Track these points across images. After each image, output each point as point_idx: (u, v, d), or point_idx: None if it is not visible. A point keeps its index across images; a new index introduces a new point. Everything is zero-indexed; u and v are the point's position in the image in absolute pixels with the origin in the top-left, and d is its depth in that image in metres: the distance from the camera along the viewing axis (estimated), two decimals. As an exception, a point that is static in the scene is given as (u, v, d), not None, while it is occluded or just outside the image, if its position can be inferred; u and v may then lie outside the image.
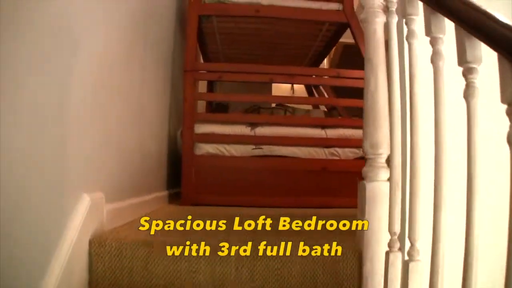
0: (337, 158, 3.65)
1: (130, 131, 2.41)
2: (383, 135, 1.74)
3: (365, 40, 1.82)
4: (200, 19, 3.70)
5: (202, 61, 5.04)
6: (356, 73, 3.72)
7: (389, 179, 1.63)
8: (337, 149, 3.65)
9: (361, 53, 3.58)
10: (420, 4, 1.42)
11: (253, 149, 3.56)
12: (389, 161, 1.70)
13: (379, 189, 1.74)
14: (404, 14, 1.50)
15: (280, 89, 7.12)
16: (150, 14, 2.81)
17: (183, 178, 3.46)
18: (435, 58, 1.30)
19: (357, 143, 3.61)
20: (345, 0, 3.73)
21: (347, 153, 3.67)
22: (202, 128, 3.54)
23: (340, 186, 3.50)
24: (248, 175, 3.52)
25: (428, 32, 1.32)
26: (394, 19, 1.67)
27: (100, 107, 1.88)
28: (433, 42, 1.31)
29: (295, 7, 3.70)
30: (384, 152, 1.75)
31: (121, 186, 2.23)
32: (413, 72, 1.47)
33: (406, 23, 1.49)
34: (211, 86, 5.89)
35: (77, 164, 1.64)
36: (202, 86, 5.68)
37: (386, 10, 1.71)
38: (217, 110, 5.20)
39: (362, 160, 3.69)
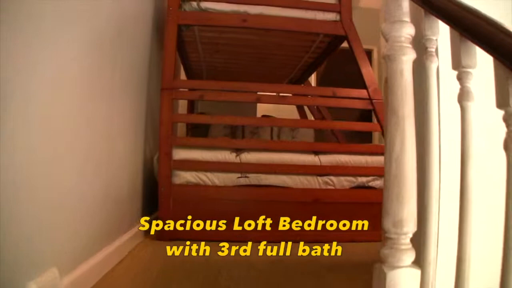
0: (332, 187, 3.28)
1: (94, 175, 2.01)
2: (409, 211, 1.36)
3: (389, 84, 1.44)
4: (179, 27, 3.29)
5: (181, 67, 4.64)
6: (353, 92, 3.36)
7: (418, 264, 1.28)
8: (332, 177, 3.28)
9: (360, 71, 3.23)
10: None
11: (238, 177, 3.18)
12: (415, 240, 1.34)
13: (403, 278, 1.36)
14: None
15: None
16: (119, 30, 2.39)
17: (160, 210, 3.07)
18: None
19: (354, 171, 3.28)
20: (342, 9, 3.37)
21: (342, 181, 3.31)
22: (181, 154, 3.14)
23: (334, 219, 3.17)
24: (233, 206, 3.15)
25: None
26: (434, 63, 1.30)
27: (49, 159, 1.47)
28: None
29: (286, 17, 3.32)
30: (409, 230, 1.37)
31: (83, 244, 1.83)
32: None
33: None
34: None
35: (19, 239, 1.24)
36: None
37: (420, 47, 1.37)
38: (198, 131, 4.87)
39: (359, 189, 3.38)
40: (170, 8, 3.20)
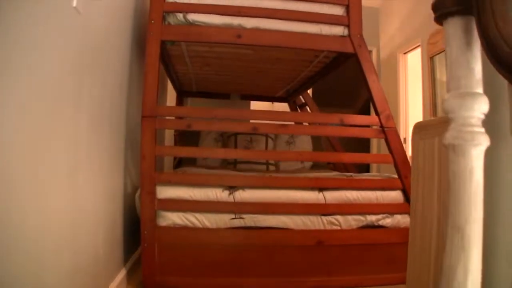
0: (337, 227, 2.90)
1: (57, 249, 1.59)
2: None
3: (450, 186, 1.04)
4: (164, 42, 2.87)
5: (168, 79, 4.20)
6: (363, 119, 3.00)
7: None
8: (338, 216, 2.90)
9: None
10: None
11: (232, 219, 2.78)
12: None
13: None
14: None
15: (258, 105, 6.30)
16: (89, 53, 1.97)
17: (143, 256, 2.68)
18: None
19: (363, 209, 2.90)
20: (351, 22, 2.97)
21: (350, 220, 2.93)
22: (166, 192, 2.74)
23: (340, 262, 2.81)
24: (226, 252, 2.77)
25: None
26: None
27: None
28: None
29: (287, 32, 2.91)
30: None
31: None
32: None
33: None
34: (180, 102, 5.07)
35: None
36: (172, 99, 4.87)
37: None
38: (185, 139, 4.57)
39: (367, 229, 3.00)
40: (152, 22, 2.77)
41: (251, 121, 3.28)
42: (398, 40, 7.07)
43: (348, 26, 2.97)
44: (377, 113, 2.98)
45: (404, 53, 7.01)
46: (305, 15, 2.92)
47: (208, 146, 4.52)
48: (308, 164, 4.76)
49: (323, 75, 3.72)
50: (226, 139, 4.52)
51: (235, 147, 4.50)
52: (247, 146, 4.52)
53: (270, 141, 4.60)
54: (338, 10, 3.00)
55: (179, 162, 4.75)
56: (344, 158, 3.05)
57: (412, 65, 6.98)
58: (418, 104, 6.77)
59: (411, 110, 7.11)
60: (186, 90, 4.84)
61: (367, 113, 7.91)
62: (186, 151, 3.20)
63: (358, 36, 2.96)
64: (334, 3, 2.99)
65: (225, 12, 2.84)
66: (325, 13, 2.96)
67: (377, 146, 7.61)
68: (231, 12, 2.84)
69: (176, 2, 2.81)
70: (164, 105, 3.05)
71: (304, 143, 4.76)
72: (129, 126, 2.90)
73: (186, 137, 4.69)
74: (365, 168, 8.63)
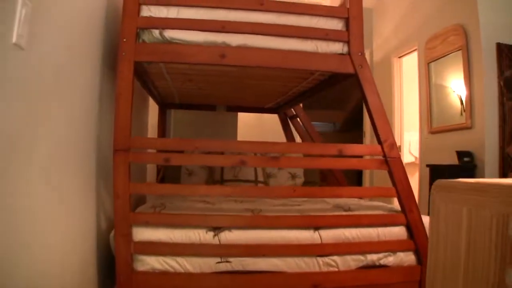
0: (335, 269, 2.60)
1: None
2: None
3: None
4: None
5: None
6: (364, 148, 2.70)
7: None
8: (335, 257, 2.60)
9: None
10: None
11: (218, 263, 2.47)
12: None
13: None
14: None
15: (245, 117, 6.02)
16: (46, 82, 1.66)
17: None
18: None
19: (362, 248, 2.62)
20: (351, 38, 2.67)
21: (348, 261, 2.63)
22: (143, 234, 2.43)
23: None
24: (211, 301, 2.46)
25: None
26: None
27: None
28: None
29: (278, 50, 2.60)
30: None
31: None
32: None
33: None
34: (163, 114, 4.75)
35: None
36: (154, 110, 4.55)
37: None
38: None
39: (367, 269, 2.70)
40: (124, 40, 2.44)
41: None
42: (393, 43, 6.80)
43: (347, 42, 2.66)
44: (379, 142, 2.68)
45: (399, 57, 6.73)
46: (299, 31, 2.62)
47: (193, 169, 4.24)
48: (299, 180, 4.52)
49: (318, 91, 3.41)
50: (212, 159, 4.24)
51: (222, 170, 4.22)
52: (234, 173, 4.24)
53: (259, 169, 4.36)
54: (336, 24, 2.69)
55: (162, 179, 4.47)
56: (343, 194, 2.74)
57: (407, 69, 6.72)
58: (414, 110, 6.53)
59: (406, 117, 6.86)
60: (168, 102, 4.51)
61: (359, 115, 7.67)
62: (165, 189, 2.85)
63: (359, 54, 2.65)
64: (331, 16, 2.69)
65: (207, 28, 2.51)
66: (321, 27, 2.65)
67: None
68: (214, 27, 2.52)
69: (151, 17, 2.49)
70: (139, 136, 2.68)
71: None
72: (103, 154, 2.58)
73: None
74: (357, 178, 8.40)
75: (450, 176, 5.02)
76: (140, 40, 2.50)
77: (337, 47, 2.67)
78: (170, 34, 2.49)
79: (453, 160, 5.06)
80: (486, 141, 4.81)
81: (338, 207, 2.96)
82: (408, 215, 2.70)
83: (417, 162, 6.92)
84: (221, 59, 2.51)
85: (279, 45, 2.59)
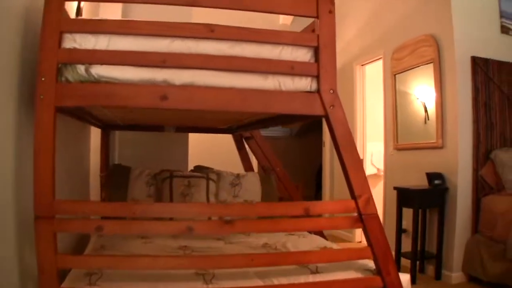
0: None
1: None
2: None
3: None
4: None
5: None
6: (335, 206, 2.27)
7: None
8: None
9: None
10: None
11: None
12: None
13: None
14: None
15: (197, 138, 5.55)
16: None
17: None
18: None
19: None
20: (322, 70, 2.25)
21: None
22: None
23: None
24: None
25: None
26: None
27: None
28: None
29: (232, 89, 2.15)
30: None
31: None
32: None
33: None
34: (106, 137, 4.24)
35: None
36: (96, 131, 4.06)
37: None
38: (113, 181, 3.88)
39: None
40: (42, 79, 1.94)
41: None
42: (356, 49, 6.45)
43: (317, 77, 2.24)
44: (353, 196, 2.28)
45: (362, 65, 6.39)
46: (258, 64, 2.17)
47: (140, 191, 3.79)
48: None
49: (281, 123, 2.99)
50: (160, 183, 3.82)
51: (171, 192, 3.75)
52: (185, 192, 3.78)
53: (211, 183, 3.91)
54: (303, 55, 2.27)
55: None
56: (312, 259, 2.32)
57: (371, 77, 6.41)
58: (376, 120, 6.24)
59: (370, 127, 6.55)
60: (111, 124, 4.01)
61: (316, 119, 7.34)
62: (102, 262, 2.30)
63: (331, 91, 2.23)
64: (298, 45, 2.25)
65: (145, 63, 2.04)
66: (285, 59, 2.21)
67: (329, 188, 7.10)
68: (153, 62, 2.04)
69: (75, 49, 2.00)
70: (64, 200, 2.12)
71: (252, 185, 4.12)
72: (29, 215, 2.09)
73: (115, 179, 3.94)
74: (318, 186, 8.10)
75: (420, 201, 4.80)
76: (63, 79, 2.01)
77: (304, 84, 2.24)
78: (98, 71, 2.01)
79: (422, 180, 4.76)
80: (459, 162, 4.51)
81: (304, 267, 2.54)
82: (385, 278, 2.33)
83: (379, 173, 6.69)
84: (162, 101, 2.04)
85: (234, 82, 2.15)
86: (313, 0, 2.28)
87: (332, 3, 2.31)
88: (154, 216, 2.10)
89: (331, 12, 2.30)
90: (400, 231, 4.90)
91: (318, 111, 2.23)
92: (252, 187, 4.10)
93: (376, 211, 2.33)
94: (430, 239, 4.82)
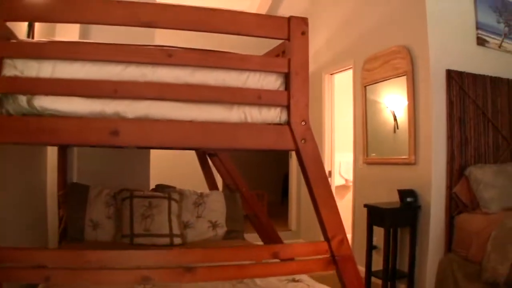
0: None
1: None
2: None
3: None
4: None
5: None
6: (305, 248, 2.11)
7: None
8: None
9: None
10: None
11: None
12: None
13: None
14: None
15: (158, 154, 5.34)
16: None
17: None
18: None
19: None
20: (293, 100, 2.07)
21: None
22: None
23: None
24: None
25: None
26: None
27: None
28: None
29: (193, 123, 1.95)
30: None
31: None
32: None
33: None
34: (64, 155, 4.00)
35: None
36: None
37: None
38: (75, 193, 3.73)
39: None
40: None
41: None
42: (325, 57, 6.33)
43: (287, 107, 2.05)
44: (326, 238, 2.11)
45: (331, 74, 6.27)
46: (222, 93, 1.98)
47: (99, 212, 3.65)
48: (221, 231, 3.96)
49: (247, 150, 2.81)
50: (119, 203, 3.67)
51: (131, 213, 3.59)
52: (146, 214, 3.63)
53: (173, 203, 3.77)
54: (272, 82, 2.08)
55: (64, 229, 3.74)
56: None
57: (340, 86, 6.31)
58: (344, 129, 6.15)
59: (338, 138, 6.45)
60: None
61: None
62: None
63: (303, 123, 2.05)
64: (266, 71, 2.06)
65: (94, 93, 1.83)
66: (252, 87, 2.02)
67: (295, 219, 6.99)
68: (103, 92, 1.83)
69: (16, 77, 1.77)
70: (6, 248, 1.91)
71: (216, 204, 4.01)
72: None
73: (72, 199, 3.74)
74: (285, 192, 7.99)
75: (391, 219, 4.68)
76: (3, 111, 1.79)
77: (273, 115, 2.06)
78: (42, 102, 1.79)
79: (393, 196, 4.64)
80: (433, 179, 4.40)
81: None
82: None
83: (348, 184, 6.63)
84: (112, 138, 1.83)
85: (195, 115, 1.95)
86: (283, 20, 2.09)
87: (306, 23, 2.13)
88: (108, 265, 1.89)
89: (304, 33, 2.12)
90: (370, 249, 4.77)
91: (288, 145, 2.05)
92: (216, 206, 3.99)
93: (351, 252, 2.17)
94: (402, 258, 4.70)
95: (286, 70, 2.06)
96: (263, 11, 6.48)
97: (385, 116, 5.03)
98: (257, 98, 2.01)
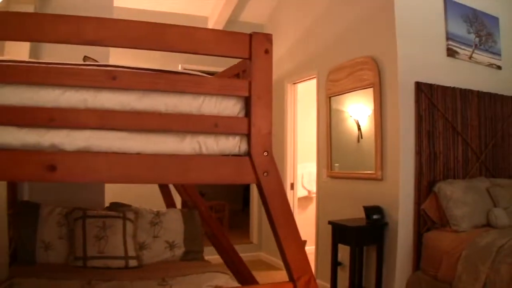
0: None
1: None
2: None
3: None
4: None
5: None
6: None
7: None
8: None
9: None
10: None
11: None
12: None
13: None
14: None
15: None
16: None
17: None
18: None
19: None
20: (254, 127, 1.91)
21: None
22: None
23: None
24: None
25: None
26: None
27: None
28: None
29: (140, 156, 1.75)
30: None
31: None
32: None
33: None
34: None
35: None
36: None
37: None
38: (25, 211, 3.53)
39: None
40: None
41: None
42: (288, 66, 6.21)
43: (247, 136, 1.88)
44: (291, 279, 1.94)
45: (294, 83, 6.15)
46: (173, 121, 1.79)
47: (50, 232, 3.48)
48: (179, 251, 3.79)
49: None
50: (72, 223, 3.49)
51: (84, 233, 3.42)
52: (99, 235, 3.46)
53: (128, 223, 3.61)
54: (231, 107, 1.91)
55: (15, 252, 3.52)
56: None
57: (303, 95, 6.22)
58: (306, 139, 6.05)
59: (300, 148, 6.34)
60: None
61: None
62: None
63: (265, 154, 1.88)
64: (224, 94, 1.89)
65: (27, 122, 1.62)
66: (207, 113, 1.84)
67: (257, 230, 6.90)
68: (37, 120, 1.62)
69: None
70: None
71: (174, 223, 3.84)
72: None
73: (23, 218, 3.54)
74: (246, 200, 7.86)
75: (357, 238, 4.54)
76: None
77: (231, 145, 1.88)
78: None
79: (358, 211, 4.54)
80: (400, 195, 4.29)
81: None
82: None
83: (311, 195, 6.55)
84: (49, 173, 1.62)
85: (142, 146, 1.76)
86: (245, 37, 1.92)
87: (269, 40, 1.96)
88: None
89: (268, 52, 1.94)
90: (335, 266, 4.64)
91: (248, 179, 1.88)
92: (173, 226, 3.84)
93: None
94: (368, 276, 4.59)
95: (246, 94, 1.89)
96: (225, 18, 6.32)
97: (349, 125, 4.93)
98: (214, 126, 1.83)
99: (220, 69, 3.62)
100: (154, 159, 1.75)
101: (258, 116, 1.89)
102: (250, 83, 1.89)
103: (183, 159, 1.80)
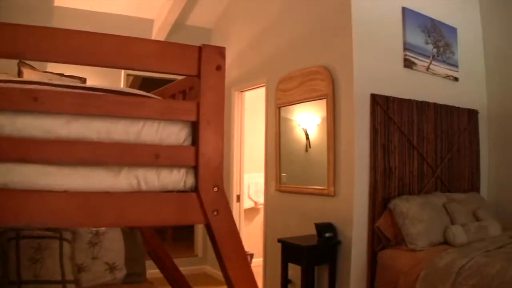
0: None
1: None
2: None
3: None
4: None
5: None
6: None
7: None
8: None
9: None
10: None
11: None
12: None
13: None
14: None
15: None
16: None
17: None
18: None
19: None
20: (202, 158, 1.67)
21: None
22: None
23: None
24: None
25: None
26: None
27: None
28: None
29: (66, 194, 1.48)
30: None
31: None
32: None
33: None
34: None
35: None
36: None
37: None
38: None
39: None
40: None
41: None
42: (236, 73, 6.04)
43: (195, 168, 1.62)
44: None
45: (242, 91, 5.95)
46: (105, 151, 1.52)
47: None
48: (120, 274, 3.58)
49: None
50: (5, 244, 3.18)
51: (17, 256, 3.13)
52: (35, 257, 3.18)
53: (66, 244, 3.36)
54: (175, 134, 1.67)
55: None
56: None
57: (251, 103, 6.05)
58: (255, 149, 5.87)
59: (247, 158, 6.15)
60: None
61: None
62: None
63: (215, 189, 1.63)
64: (167, 119, 1.63)
65: None
66: (147, 142, 1.58)
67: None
68: None
69: None
70: None
71: (114, 243, 3.64)
72: None
73: None
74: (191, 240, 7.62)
75: (309, 257, 4.34)
76: None
77: (176, 179, 1.64)
78: None
79: (309, 228, 4.40)
80: (354, 212, 4.13)
81: None
82: None
83: (257, 207, 6.39)
84: None
85: (69, 182, 1.48)
86: (193, 50, 1.66)
87: (222, 55, 1.73)
88: None
89: (220, 68, 1.71)
90: (285, 285, 4.44)
91: (195, 219, 1.64)
92: (114, 246, 3.64)
93: None
94: (321, 296, 4.42)
95: (194, 118, 1.65)
96: (171, 21, 6.04)
97: (297, 134, 4.81)
98: (154, 157, 1.57)
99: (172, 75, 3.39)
100: (85, 197, 1.48)
101: (207, 145, 1.65)
102: (198, 105, 1.64)
103: (118, 197, 1.53)
